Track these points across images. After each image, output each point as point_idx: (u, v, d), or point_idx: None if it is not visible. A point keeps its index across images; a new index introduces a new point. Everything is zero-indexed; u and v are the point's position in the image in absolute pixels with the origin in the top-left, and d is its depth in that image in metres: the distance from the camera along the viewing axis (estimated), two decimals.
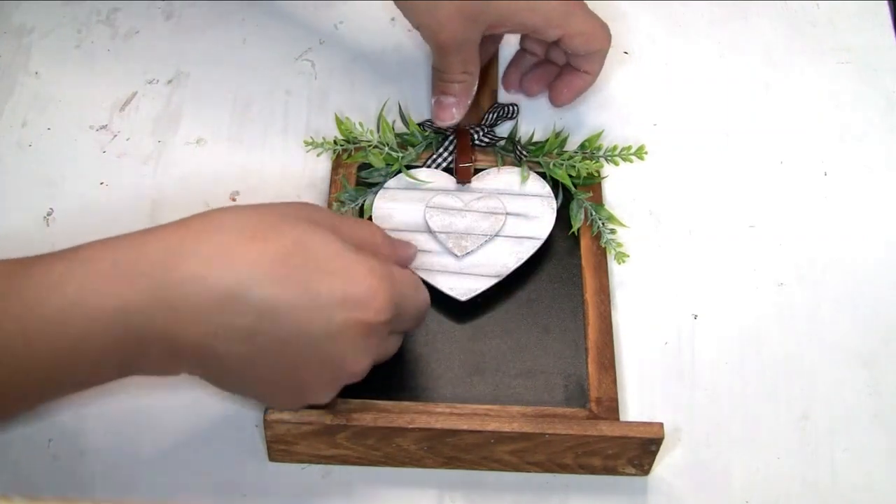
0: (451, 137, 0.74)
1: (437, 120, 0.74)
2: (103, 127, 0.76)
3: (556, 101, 0.78)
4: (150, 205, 0.73)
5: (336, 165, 0.74)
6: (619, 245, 0.71)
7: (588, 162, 0.73)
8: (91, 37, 0.81)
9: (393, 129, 0.75)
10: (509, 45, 0.80)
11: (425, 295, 0.61)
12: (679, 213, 0.75)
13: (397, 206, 0.71)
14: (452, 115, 0.74)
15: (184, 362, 0.54)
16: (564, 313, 0.68)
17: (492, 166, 0.74)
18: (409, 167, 0.73)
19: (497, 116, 0.76)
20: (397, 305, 0.56)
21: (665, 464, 0.64)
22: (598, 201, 0.73)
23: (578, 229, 0.71)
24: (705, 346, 0.69)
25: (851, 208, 0.75)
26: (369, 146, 0.74)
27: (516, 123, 0.77)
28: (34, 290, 0.52)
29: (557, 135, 0.75)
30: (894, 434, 0.66)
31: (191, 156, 0.75)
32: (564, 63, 0.77)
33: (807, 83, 0.82)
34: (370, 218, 0.70)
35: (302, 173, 0.75)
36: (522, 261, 0.69)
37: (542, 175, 0.73)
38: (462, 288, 0.68)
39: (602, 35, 0.74)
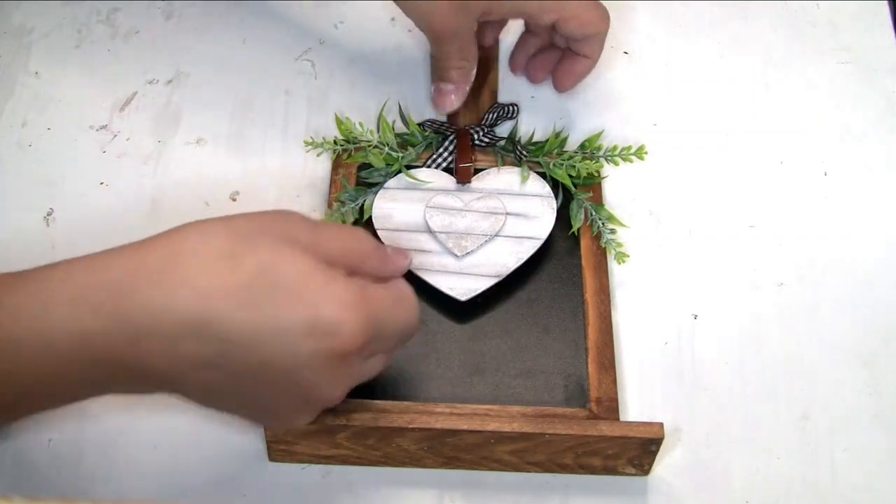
0: (451, 137, 0.74)
1: (435, 107, 0.75)
2: (103, 127, 0.76)
3: (558, 87, 0.78)
4: (150, 205, 0.73)
5: (336, 165, 0.74)
6: (619, 245, 0.71)
7: (588, 162, 0.73)
8: (91, 37, 0.81)
9: (393, 129, 0.75)
10: (513, 34, 0.80)
11: (411, 313, 0.57)
12: (679, 213, 0.75)
13: (397, 206, 0.71)
14: (451, 101, 0.74)
15: (154, 387, 0.53)
16: (564, 313, 0.68)
17: (492, 166, 0.74)
18: (409, 167, 0.73)
19: (497, 116, 0.76)
20: (374, 328, 0.53)
21: (665, 464, 0.64)
22: (598, 201, 0.73)
23: (578, 229, 0.71)
24: (705, 346, 0.68)
25: (851, 208, 0.75)
26: (369, 146, 0.74)
27: (516, 123, 0.77)
28: None
29: (557, 135, 0.75)
30: (894, 434, 0.66)
31: (191, 156, 0.75)
32: (566, 47, 0.77)
33: (807, 83, 0.82)
34: (370, 218, 0.70)
35: (302, 173, 0.75)
36: (522, 261, 0.69)
37: (542, 175, 0.73)
38: (462, 288, 0.68)
39: (598, 18, 0.73)
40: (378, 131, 0.75)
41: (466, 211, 0.71)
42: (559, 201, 0.72)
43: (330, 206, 0.72)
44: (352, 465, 0.63)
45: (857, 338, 0.69)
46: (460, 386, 0.65)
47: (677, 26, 0.85)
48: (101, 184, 0.74)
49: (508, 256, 0.69)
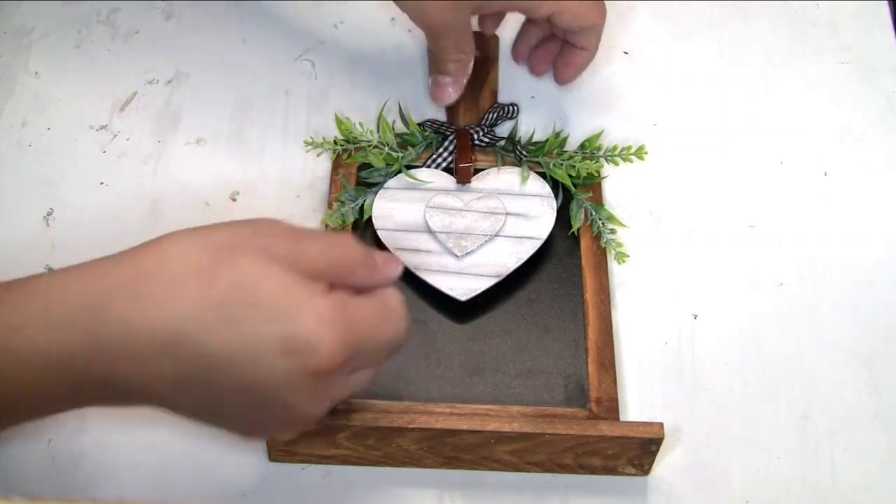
0: (451, 137, 0.74)
1: (434, 100, 0.75)
2: (103, 127, 0.76)
3: (559, 79, 0.78)
4: (150, 205, 0.73)
5: (336, 165, 0.74)
6: (619, 245, 0.71)
7: (588, 162, 0.73)
8: (91, 37, 0.81)
9: (393, 129, 0.75)
10: (513, 28, 0.80)
11: (398, 326, 0.54)
12: (679, 213, 0.75)
13: (397, 206, 0.71)
14: (449, 94, 0.75)
15: (136, 402, 0.53)
16: (564, 313, 0.68)
17: (492, 166, 0.74)
18: (409, 167, 0.73)
19: (497, 116, 0.76)
20: (355, 345, 0.51)
21: (665, 464, 0.64)
22: (598, 201, 0.73)
23: (578, 229, 0.71)
24: (705, 346, 0.68)
25: (851, 208, 0.75)
26: (369, 146, 0.74)
27: (516, 123, 0.77)
28: None
29: (557, 135, 0.75)
30: (894, 434, 0.66)
31: (191, 156, 0.75)
32: (564, 39, 0.77)
33: (807, 83, 0.82)
34: (370, 218, 0.70)
35: (302, 173, 0.75)
36: (522, 261, 0.69)
37: (542, 175, 0.73)
38: (462, 288, 0.68)
39: (593, 10, 0.73)
40: (378, 131, 0.75)
41: (466, 211, 0.71)
42: (559, 201, 0.72)
43: (330, 206, 0.72)
44: (352, 465, 0.63)
45: (857, 338, 0.69)
46: (460, 386, 0.65)
47: (677, 26, 0.85)
48: (101, 184, 0.74)
49: (508, 256, 0.69)
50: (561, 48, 0.77)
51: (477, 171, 0.73)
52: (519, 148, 0.74)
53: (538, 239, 0.70)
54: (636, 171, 0.76)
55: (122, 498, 0.61)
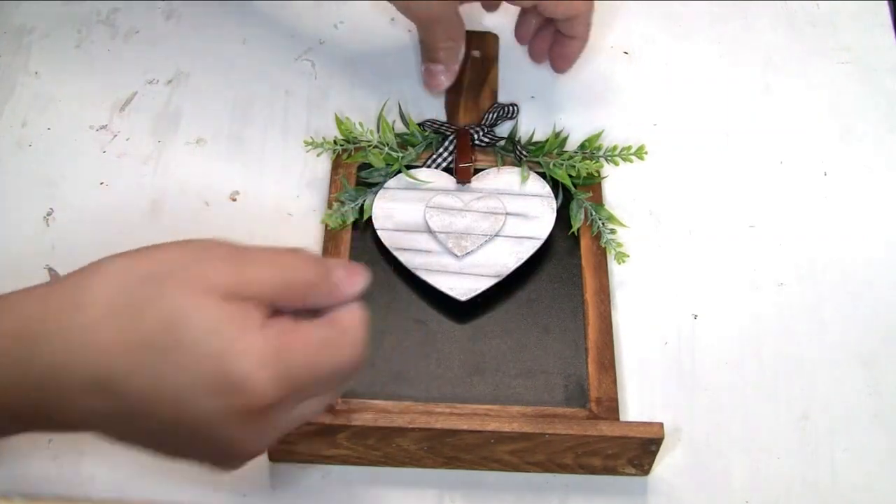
0: (451, 137, 0.74)
1: (427, 87, 0.76)
2: (103, 127, 0.76)
3: (555, 69, 0.79)
4: (150, 205, 0.73)
5: (336, 165, 0.74)
6: (619, 245, 0.71)
7: (588, 162, 0.73)
8: (91, 37, 0.81)
9: (393, 129, 0.75)
10: (513, 20, 0.81)
11: (351, 352, 0.49)
12: (679, 213, 0.75)
13: (397, 206, 0.71)
14: (441, 81, 0.75)
15: (79, 431, 0.51)
16: (564, 313, 0.68)
17: (492, 166, 0.74)
18: (409, 167, 0.73)
19: (497, 116, 0.76)
20: (293, 380, 0.48)
21: (665, 464, 0.64)
22: (598, 201, 0.73)
23: (578, 229, 0.71)
24: (705, 346, 0.68)
25: (851, 208, 0.75)
26: (369, 146, 0.74)
27: (516, 123, 0.77)
28: None
29: (557, 135, 0.75)
30: (894, 434, 0.66)
31: (191, 156, 0.75)
32: (556, 29, 0.77)
33: (807, 83, 0.82)
34: (370, 218, 0.70)
35: (302, 173, 0.75)
36: (522, 261, 0.69)
37: (542, 175, 0.73)
38: (462, 288, 0.68)
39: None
40: (378, 131, 0.75)
41: (466, 211, 0.71)
42: (559, 201, 0.72)
43: (330, 206, 0.72)
44: (352, 465, 0.63)
45: (857, 338, 0.69)
46: (460, 386, 0.65)
47: (677, 26, 0.85)
48: (101, 184, 0.74)
49: (508, 256, 0.69)
50: (554, 37, 0.77)
51: (477, 171, 0.73)
52: (519, 148, 0.74)
53: (538, 239, 0.70)
54: (636, 171, 0.76)
55: (123, 498, 0.61)
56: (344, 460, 0.62)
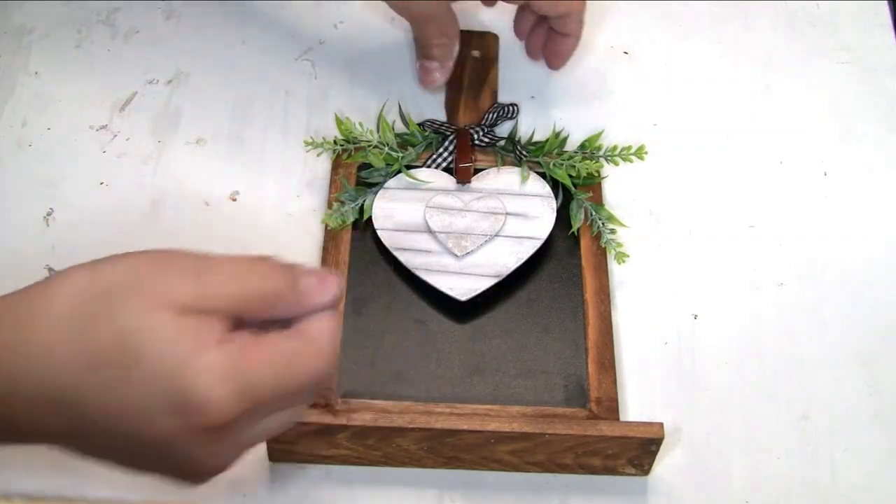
0: (451, 137, 0.74)
1: (421, 84, 0.76)
2: (103, 127, 0.76)
3: (550, 66, 0.79)
4: (150, 205, 0.73)
5: (336, 165, 0.74)
6: (619, 245, 0.71)
7: (588, 162, 0.73)
8: (91, 37, 0.81)
9: (393, 129, 0.75)
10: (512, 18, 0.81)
11: (317, 364, 0.48)
12: (679, 213, 0.75)
13: (397, 206, 0.71)
14: (436, 78, 0.75)
15: (47, 445, 0.50)
16: (564, 313, 0.68)
17: (492, 166, 0.74)
18: (409, 167, 0.73)
19: (497, 116, 0.76)
20: (254, 397, 0.46)
21: (665, 464, 0.64)
22: (598, 201, 0.73)
23: (578, 229, 0.71)
24: (705, 346, 0.68)
25: (851, 208, 0.75)
26: (369, 146, 0.74)
27: (516, 123, 0.77)
28: None
29: (557, 135, 0.75)
30: (894, 434, 0.66)
31: (191, 156, 0.75)
32: (550, 26, 0.77)
33: (807, 83, 0.82)
34: (370, 218, 0.70)
35: (302, 173, 0.75)
36: (522, 261, 0.69)
37: (542, 175, 0.73)
38: (462, 288, 0.68)
39: None
40: (378, 131, 0.75)
41: (466, 211, 0.71)
42: (559, 201, 0.72)
43: (330, 206, 0.72)
44: (352, 465, 0.63)
45: (857, 338, 0.69)
46: (460, 386, 0.65)
47: (677, 26, 0.85)
48: (101, 184, 0.74)
49: (508, 256, 0.69)
50: (548, 34, 0.78)
51: (477, 171, 0.73)
52: (519, 148, 0.74)
53: (538, 239, 0.70)
54: (636, 171, 0.76)
55: (122, 498, 0.61)
56: (344, 460, 0.62)
